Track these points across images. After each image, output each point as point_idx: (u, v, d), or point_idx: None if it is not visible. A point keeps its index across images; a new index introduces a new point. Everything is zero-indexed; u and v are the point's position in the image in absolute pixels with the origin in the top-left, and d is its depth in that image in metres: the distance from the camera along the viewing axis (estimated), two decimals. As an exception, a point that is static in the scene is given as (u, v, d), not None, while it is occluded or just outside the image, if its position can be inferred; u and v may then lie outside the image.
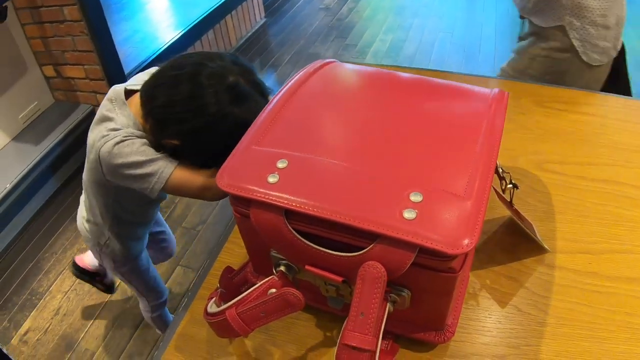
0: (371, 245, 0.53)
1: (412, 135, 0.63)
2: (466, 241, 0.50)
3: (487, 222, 0.82)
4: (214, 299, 0.67)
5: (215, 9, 3.21)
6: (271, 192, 0.56)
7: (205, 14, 3.15)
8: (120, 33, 2.97)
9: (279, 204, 0.55)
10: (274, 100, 0.69)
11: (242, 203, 0.60)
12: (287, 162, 0.59)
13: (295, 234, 0.56)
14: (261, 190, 0.57)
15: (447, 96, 0.70)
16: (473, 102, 0.67)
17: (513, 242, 0.79)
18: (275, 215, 0.56)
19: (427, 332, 0.65)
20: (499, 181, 0.71)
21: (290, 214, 0.56)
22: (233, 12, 3.41)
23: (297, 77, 0.73)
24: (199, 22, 3.10)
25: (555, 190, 0.87)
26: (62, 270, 2.04)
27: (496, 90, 0.69)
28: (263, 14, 3.84)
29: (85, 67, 2.44)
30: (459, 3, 3.91)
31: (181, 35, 2.98)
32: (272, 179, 0.57)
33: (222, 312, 0.60)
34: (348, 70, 0.77)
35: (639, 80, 2.57)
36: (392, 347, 0.65)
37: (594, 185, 0.88)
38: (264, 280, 0.60)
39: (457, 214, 0.52)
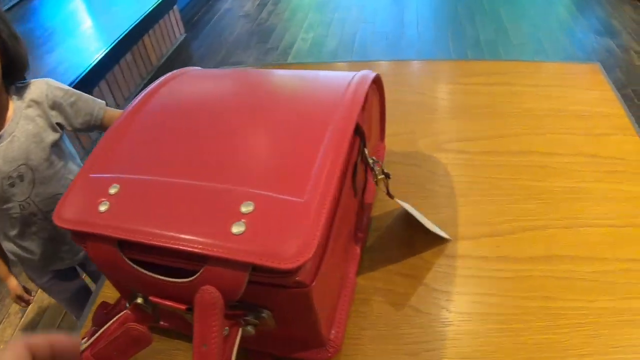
0: (202, 269, 0.45)
1: (257, 138, 0.56)
2: (301, 252, 0.42)
3: (380, 217, 0.74)
4: (85, 339, 0.58)
5: (131, 29, 3.09)
6: (100, 222, 0.50)
7: (121, 36, 3.02)
8: (45, 66, 2.91)
9: (108, 234, 0.49)
10: (116, 122, 0.61)
11: (80, 237, 0.52)
12: (118, 187, 0.52)
13: (131, 264, 0.49)
14: (91, 221, 0.50)
15: (302, 90, 0.63)
16: (329, 92, 0.60)
17: (410, 234, 0.70)
18: (109, 247, 0.50)
19: (309, 350, 0.56)
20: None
21: (125, 243, 0.49)
22: (151, 32, 3.30)
23: (142, 94, 0.65)
24: (115, 45, 2.97)
25: (457, 171, 0.80)
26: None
27: (360, 73, 0.61)
28: (183, 30, 3.73)
29: None
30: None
31: (98, 61, 2.85)
32: (102, 207, 0.51)
33: (81, 353, 0.52)
34: (197, 78, 0.70)
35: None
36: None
37: (503, 160, 0.81)
38: (117, 316, 0.52)
39: (291, 222, 0.44)
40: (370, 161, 0.59)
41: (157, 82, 0.67)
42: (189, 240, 0.45)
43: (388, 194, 0.63)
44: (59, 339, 0.39)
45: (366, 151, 0.58)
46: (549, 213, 0.71)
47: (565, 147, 0.82)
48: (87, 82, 2.70)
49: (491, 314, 0.60)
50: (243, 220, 0.45)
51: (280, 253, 0.42)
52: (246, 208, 0.45)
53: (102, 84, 2.86)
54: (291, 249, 0.42)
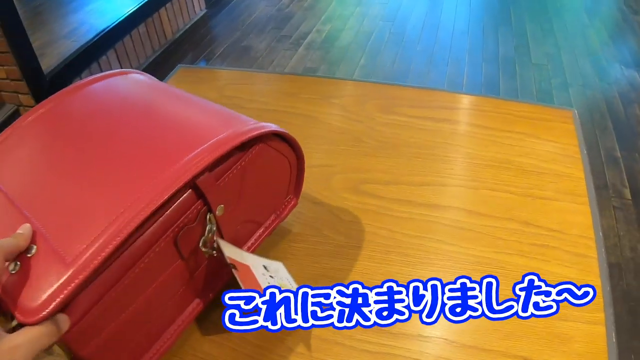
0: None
1: (83, 171, 0.51)
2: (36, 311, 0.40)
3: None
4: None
5: (147, 1, 3.02)
6: None
7: (136, 7, 2.96)
8: (64, 27, 2.95)
9: None
10: None
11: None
12: None
13: None
14: None
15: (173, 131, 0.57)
16: (196, 140, 0.54)
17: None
18: None
19: None
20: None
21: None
22: (168, 5, 3.22)
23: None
24: (128, 15, 2.91)
25: (364, 218, 0.71)
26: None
27: (258, 130, 0.56)
28: (204, 5, 3.65)
29: (5, 67, 2.37)
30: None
31: (109, 30, 2.79)
32: None
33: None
34: (71, 100, 0.63)
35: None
36: None
37: (417, 213, 0.72)
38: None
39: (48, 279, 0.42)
40: (207, 228, 0.52)
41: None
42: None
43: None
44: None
45: (209, 216, 0.52)
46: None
47: (497, 209, 0.72)
48: (94, 51, 2.66)
49: None
50: (21, 260, 0.44)
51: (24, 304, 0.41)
52: (32, 249, 0.44)
53: (111, 54, 2.80)
54: (32, 304, 0.40)
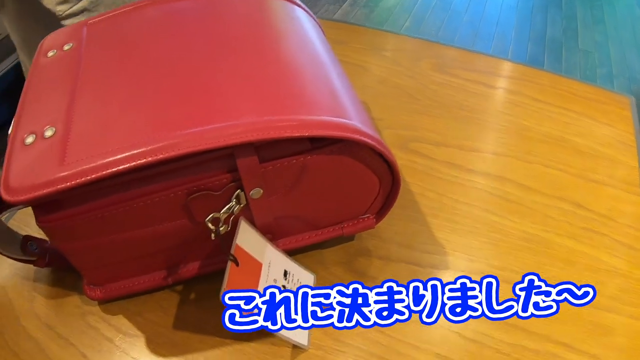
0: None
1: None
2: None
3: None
4: None
5: None
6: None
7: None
8: None
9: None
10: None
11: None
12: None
13: None
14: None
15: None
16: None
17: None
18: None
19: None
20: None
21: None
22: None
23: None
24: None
25: (410, 177, 0.68)
26: None
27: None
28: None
29: None
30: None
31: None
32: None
33: None
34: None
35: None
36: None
37: (467, 179, 0.69)
38: None
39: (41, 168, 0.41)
40: (229, 205, 0.47)
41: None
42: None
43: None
44: None
45: (238, 193, 0.47)
46: (489, 258, 0.59)
47: (549, 186, 0.68)
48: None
49: None
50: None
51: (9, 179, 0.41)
52: (49, 132, 0.43)
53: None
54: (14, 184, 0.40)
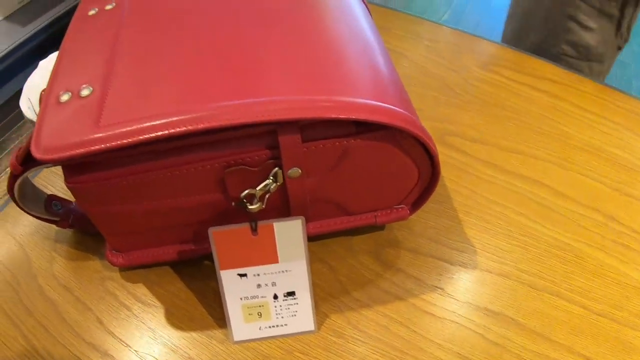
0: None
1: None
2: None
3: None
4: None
5: None
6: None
7: None
8: None
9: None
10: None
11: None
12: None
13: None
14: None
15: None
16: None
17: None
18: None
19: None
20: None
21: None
22: None
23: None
24: None
25: (445, 171, 0.66)
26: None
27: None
28: None
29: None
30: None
31: None
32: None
33: None
34: None
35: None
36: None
37: (502, 179, 0.67)
38: None
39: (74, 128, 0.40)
40: (266, 182, 0.46)
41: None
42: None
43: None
44: None
45: (276, 171, 0.46)
46: (518, 262, 0.58)
47: (585, 196, 0.67)
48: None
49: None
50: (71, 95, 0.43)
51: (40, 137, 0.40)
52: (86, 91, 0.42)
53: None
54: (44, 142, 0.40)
